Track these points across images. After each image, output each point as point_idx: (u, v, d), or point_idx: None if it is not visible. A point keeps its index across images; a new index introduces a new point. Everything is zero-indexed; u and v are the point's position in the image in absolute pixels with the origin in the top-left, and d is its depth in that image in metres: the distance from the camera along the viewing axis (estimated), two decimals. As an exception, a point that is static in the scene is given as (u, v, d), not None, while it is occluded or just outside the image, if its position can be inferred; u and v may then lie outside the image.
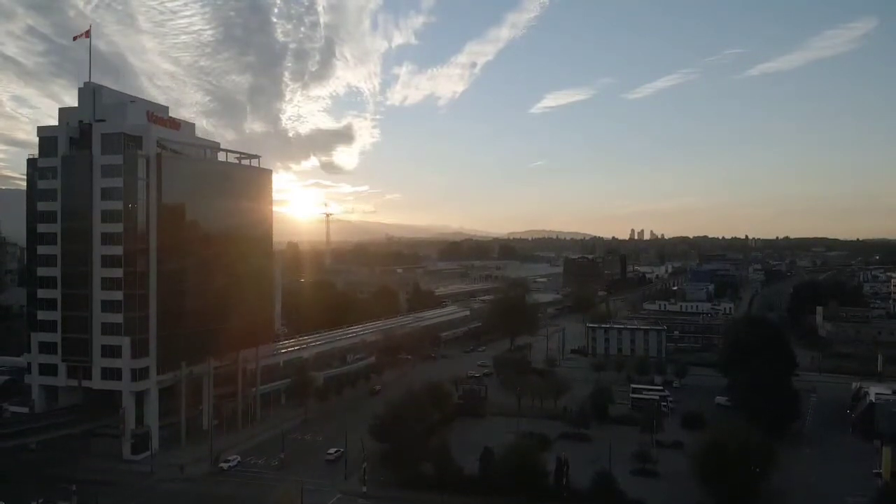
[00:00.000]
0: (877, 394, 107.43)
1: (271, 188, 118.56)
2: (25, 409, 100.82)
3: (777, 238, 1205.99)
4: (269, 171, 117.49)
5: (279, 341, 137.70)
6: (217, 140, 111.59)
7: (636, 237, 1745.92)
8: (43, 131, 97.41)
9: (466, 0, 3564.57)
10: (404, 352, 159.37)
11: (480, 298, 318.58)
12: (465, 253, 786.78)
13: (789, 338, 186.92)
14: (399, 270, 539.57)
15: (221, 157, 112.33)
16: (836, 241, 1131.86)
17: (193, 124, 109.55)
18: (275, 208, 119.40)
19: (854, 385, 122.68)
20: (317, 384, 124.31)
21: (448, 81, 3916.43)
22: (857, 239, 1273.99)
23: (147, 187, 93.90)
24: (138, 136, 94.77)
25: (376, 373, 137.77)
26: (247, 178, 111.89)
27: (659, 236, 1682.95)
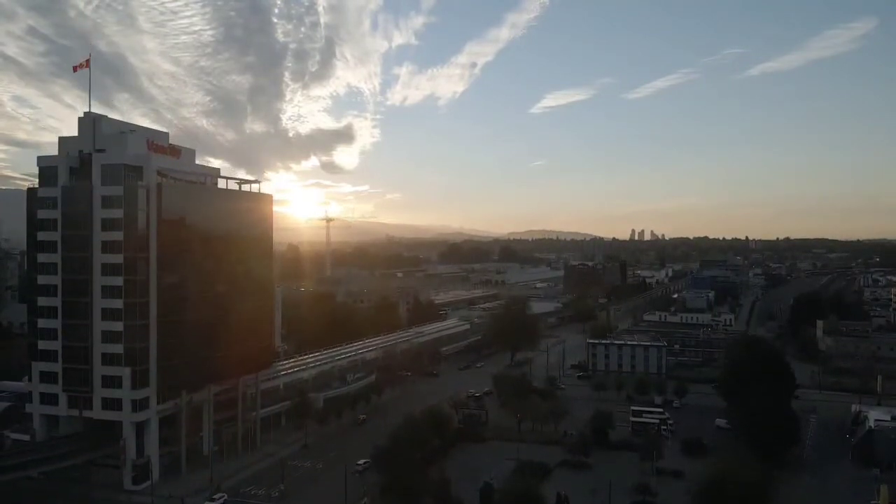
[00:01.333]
0: (876, 420, 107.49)
1: (272, 213, 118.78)
2: (27, 437, 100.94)
3: (777, 239, 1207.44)
4: (269, 196, 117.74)
5: (279, 360, 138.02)
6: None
7: (636, 237, 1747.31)
8: (43, 161, 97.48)
9: (466, 0, 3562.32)
10: (404, 368, 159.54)
11: (480, 306, 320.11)
12: (465, 255, 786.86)
13: (789, 357, 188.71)
14: (399, 274, 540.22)
15: (221, 183, 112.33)
16: (836, 241, 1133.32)
17: (193, 150, 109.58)
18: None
19: (854, 408, 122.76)
20: (317, 406, 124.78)
21: (448, 81, 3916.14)
22: (857, 239, 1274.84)
23: (147, 218, 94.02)
24: (138, 167, 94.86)
25: (376, 392, 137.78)
26: (247, 203, 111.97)
27: (659, 236, 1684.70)
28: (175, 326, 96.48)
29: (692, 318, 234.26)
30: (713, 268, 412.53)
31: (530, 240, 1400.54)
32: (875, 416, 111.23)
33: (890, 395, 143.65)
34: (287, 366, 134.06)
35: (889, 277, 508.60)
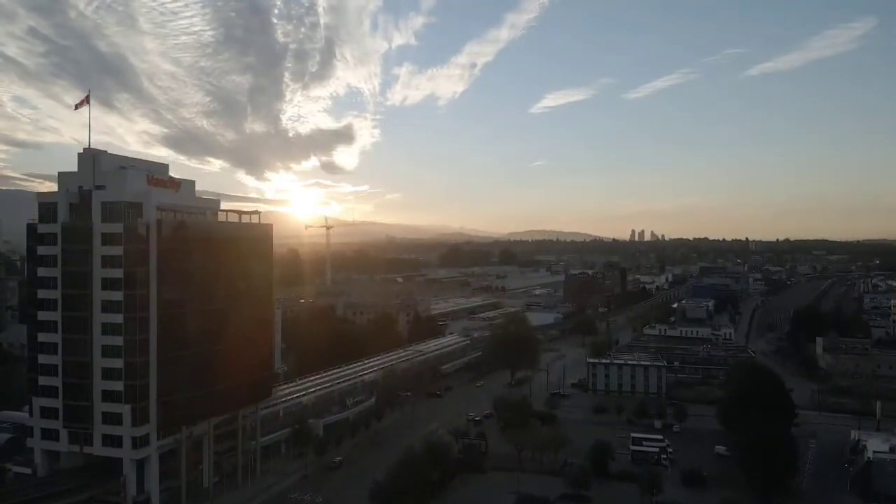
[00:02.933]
0: (874, 451, 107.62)
1: (272, 242, 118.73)
2: (28, 471, 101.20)
3: (777, 240, 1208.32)
4: (270, 225, 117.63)
5: (279, 383, 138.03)
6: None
7: (636, 238, 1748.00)
8: (42, 197, 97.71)
9: (466, 1, 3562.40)
10: (405, 388, 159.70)
11: (480, 315, 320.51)
12: (465, 258, 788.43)
13: (789, 374, 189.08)
14: (399, 279, 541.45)
15: (221, 212, 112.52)
16: (836, 243, 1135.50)
17: (193, 181, 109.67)
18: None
19: (853, 435, 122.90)
20: (316, 432, 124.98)
21: (448, 82, 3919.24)
22: (857, 240, 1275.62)
23: (147, 254, 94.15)
24: (138, 203, 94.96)
25: (376, 416, 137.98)
26: (247, 234, 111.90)
27: (659, 237, 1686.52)
28: (175, 362, 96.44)
29: (692, 331, 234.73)
30: (713, 275, 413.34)
31: (530, 241, 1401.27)
32: (874, 445, 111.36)
33: (890, 417, 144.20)
34: (287, 391, 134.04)
35: (889, 282, 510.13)
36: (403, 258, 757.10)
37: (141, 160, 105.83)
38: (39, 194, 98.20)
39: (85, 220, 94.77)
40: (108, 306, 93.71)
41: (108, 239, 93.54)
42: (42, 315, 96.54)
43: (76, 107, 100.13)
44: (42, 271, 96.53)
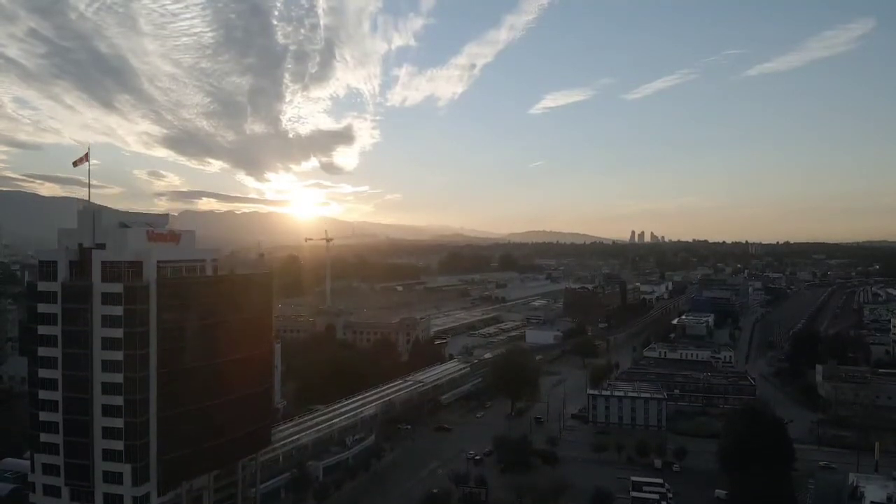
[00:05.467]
0: (872, 502, 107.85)
1: (272, 291, 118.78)
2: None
3: (777, 243, 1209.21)
4: (269, 273, 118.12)
5: (278, 421, 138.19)
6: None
7: (636, 239, 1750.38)
8: (42, 254, 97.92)
9: (465, 2, 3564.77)
10: (405, 421, 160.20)
11: (480, 332, 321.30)
12: (465, 263, 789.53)
13: (788, 402, 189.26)
14: (399, 288, 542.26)
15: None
16: (836, 245, 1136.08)
17: (193, 232, 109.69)
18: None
19: (851, 480, 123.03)
20: (316, 475, 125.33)
21: (447, 83, 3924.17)
22: (857, 242, 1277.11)
23: (147, 314, 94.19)
24: (138, 262, 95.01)
25: (375, 456, 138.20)
26: (246, 285, 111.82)
27: (659, 238, 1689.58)
28: (175, 420, 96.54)
29: (692, 354, 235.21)
30: (713, 287, 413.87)
31: (530, 243, 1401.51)
32: (871, 494, 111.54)
33: (889, 453, 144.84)
34: (286, 432, 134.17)
35: (888, 290, 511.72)
36: (403, 263, 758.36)
37: (142, 214, 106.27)
38: (39, 251, 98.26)
39: (85, 280, 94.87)
40: (108, 366, 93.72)
41: (108, 299, 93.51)
42: (43, 373, 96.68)
43: (74, 164, 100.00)
44: (42, 329, 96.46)
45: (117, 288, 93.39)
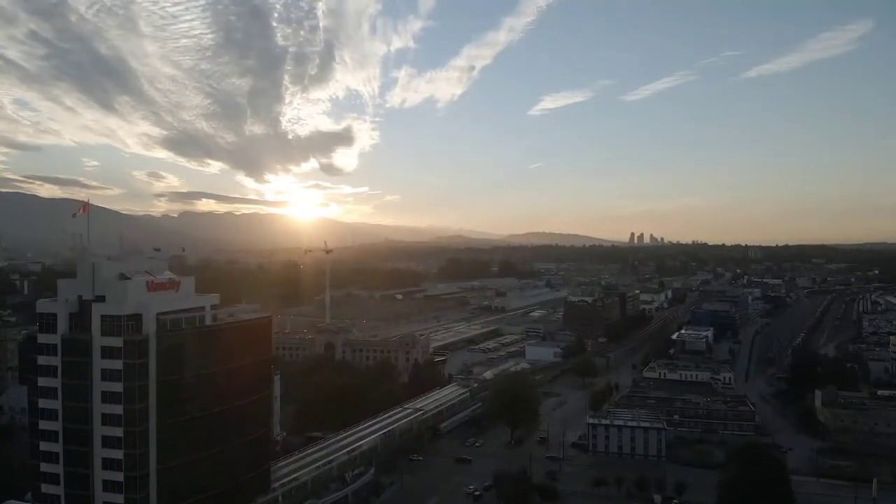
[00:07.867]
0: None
1: (271, 335, 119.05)
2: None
3: (777, 245, 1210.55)
4: (268, 318, 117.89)
5: (277, 455, 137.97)
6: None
7: (635, 241, 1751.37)
8: (42, 306, 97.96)
9: (464, 4, 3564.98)
10: (403, 453, 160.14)
11: (480, 347, 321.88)
12: (464, 268, 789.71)
13: (788, 427, 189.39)
14: (399, 296, 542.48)
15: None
16: (835, 248, 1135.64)
17: (192, 278, 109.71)
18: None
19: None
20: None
21: (447, 84, 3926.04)
22: (856, 244, 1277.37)
23: (147, 367, 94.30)
24: (138, 315, 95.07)
25: (375, 493, 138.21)
26: (246, 331, 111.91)
27: (659, 240, 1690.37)
28: (175, 472, 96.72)
29: (691, 375, 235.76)
30: (712, 299, 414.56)
31: (529, 246, 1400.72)
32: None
33: (888, 484, 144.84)
34: (285, 470, 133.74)
35: (888, 298, 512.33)
36: (402, 268, 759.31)
37: (142, 260, 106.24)
38: (39, 303, 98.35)
39: (85, 333, 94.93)
40: (108, 419, 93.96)
41: (107, 353, 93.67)
42: (43, 424, 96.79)
43: (73, 215, 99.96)
44: (42, 381, 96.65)
45: (117, 342, 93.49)
